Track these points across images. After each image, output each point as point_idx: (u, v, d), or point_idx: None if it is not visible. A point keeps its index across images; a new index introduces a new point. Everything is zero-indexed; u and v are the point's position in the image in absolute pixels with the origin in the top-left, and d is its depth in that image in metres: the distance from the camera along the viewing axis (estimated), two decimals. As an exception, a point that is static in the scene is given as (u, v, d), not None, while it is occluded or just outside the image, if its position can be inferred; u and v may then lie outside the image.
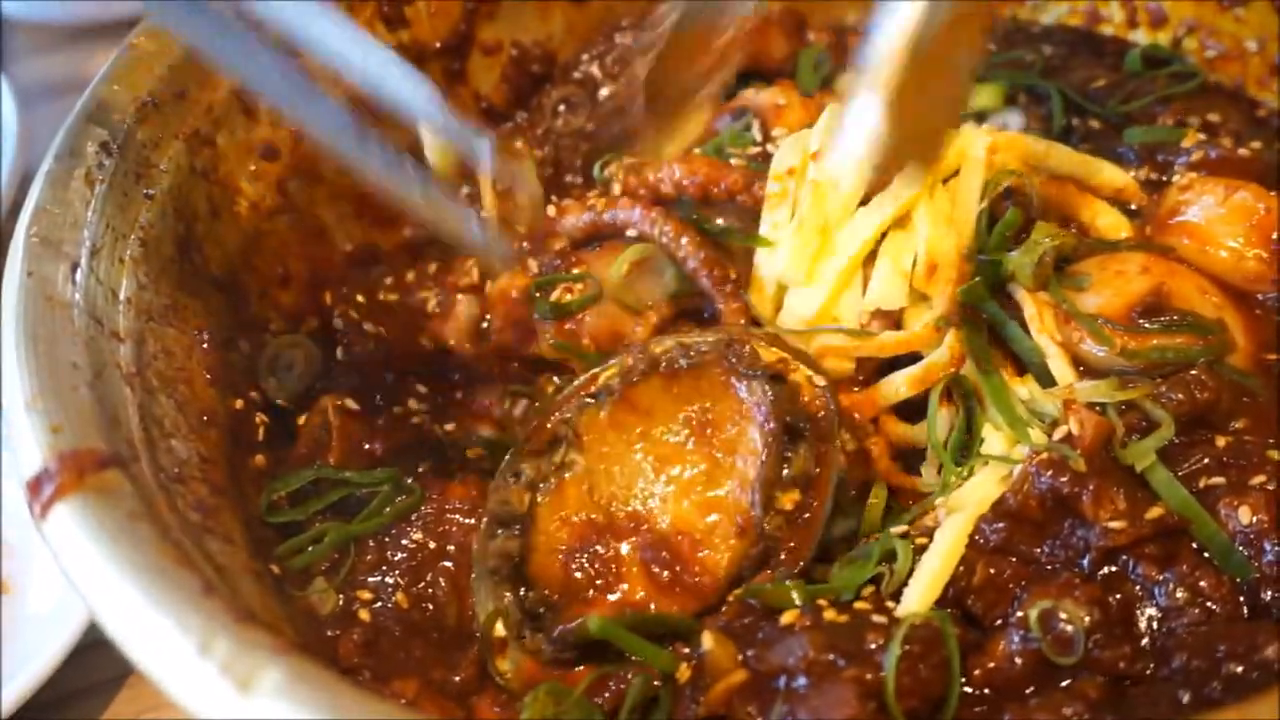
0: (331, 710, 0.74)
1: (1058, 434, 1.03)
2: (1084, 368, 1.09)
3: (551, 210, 1.28)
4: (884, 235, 1.15)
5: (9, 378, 0.95)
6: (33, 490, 0.88)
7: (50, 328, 0.99)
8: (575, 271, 1.20)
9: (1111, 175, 1.24)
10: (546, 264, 1.24)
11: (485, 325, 1.26)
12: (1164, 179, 1.25)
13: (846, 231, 1.16)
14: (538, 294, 1.21)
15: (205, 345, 1.15)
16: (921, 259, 1.13)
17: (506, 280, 1.23)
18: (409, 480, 1.13)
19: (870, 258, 1.15)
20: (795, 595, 0.96)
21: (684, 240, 1.19)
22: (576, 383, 1.11)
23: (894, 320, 1.14)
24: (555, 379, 1.20)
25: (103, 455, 0.90)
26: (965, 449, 1.08)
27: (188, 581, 0.83)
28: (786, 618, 0.94)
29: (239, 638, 0.78)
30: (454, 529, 1.09)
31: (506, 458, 1.08)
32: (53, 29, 2.15)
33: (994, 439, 1.07)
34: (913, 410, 1.11)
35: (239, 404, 1.16)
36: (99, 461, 0.89)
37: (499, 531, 1.04)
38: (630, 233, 1.23)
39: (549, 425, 1.08)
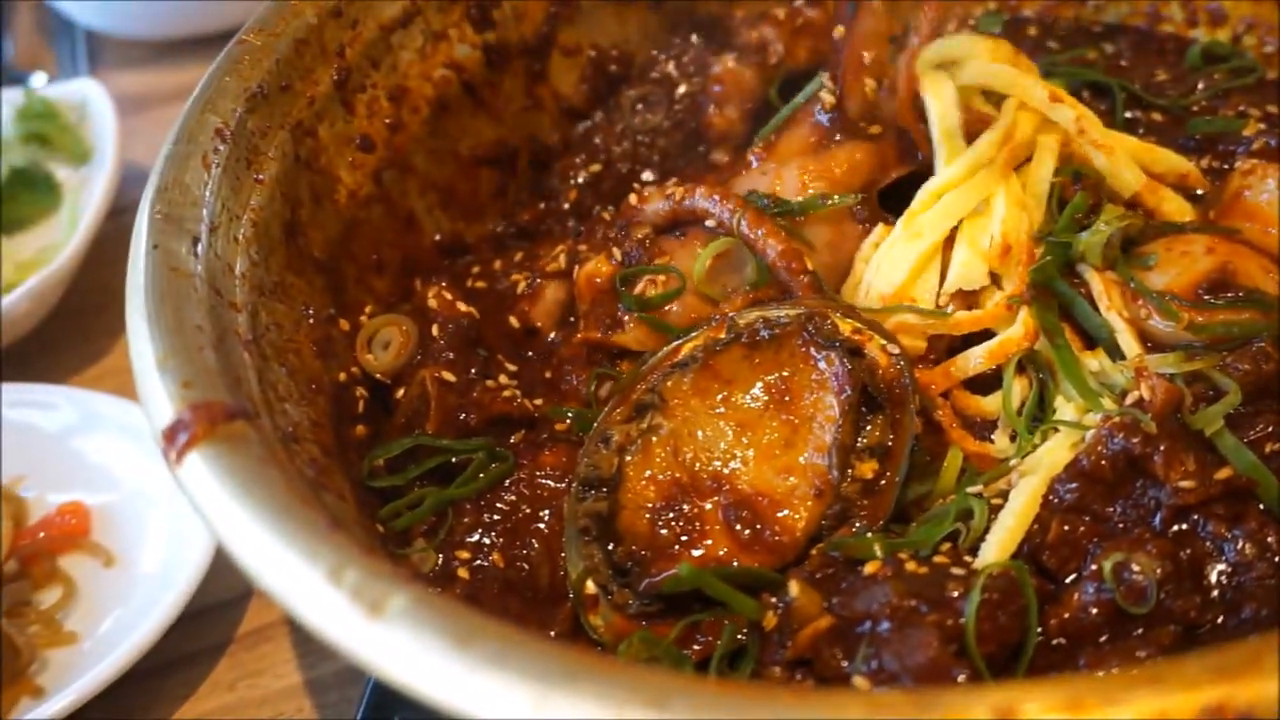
0: (457, 630, 0.79)
1: (1129, 399, 1.07)
2: (1151, 343, 1.14)
3: (633, 199, 1.34)
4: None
5: (138, 341, 1.02)
6: (168, 439, 0.93)
7: (176, 295, 1.05)
8: (659, 263, 1.26)
9: (1175, 162, 1.29)
10: (630, 252, 1.29)
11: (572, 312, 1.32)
12: (1226, 167, 1.29)
13: (930, 215, 1.21)
14: (623, 286, 1.26)
15: (310, 321, 1.22)
16: (996, 240, 1.18)
17: (593, 266, 1.29)
18: (502, 449, 1.19)
19: (947, 242, 1.20)
20: (878, 547, 1.01)
21: (761, 231, 1.24)
22: (662, 352, 1.16)
23: (968, 301, 1.19)
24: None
25: (230, 407, 0.96)
26: (1037, 419, 1.13)
27: (315, 519, 0.88)
28: (869, 568, 0.99)
29: (367, 567, 0.83)
30: (546, 493, 1.15)
31: (595, 424, 1.14)
32: (143, 43, 2.25)
33: (1066, 409, 1.12)
34: (982, 385, 1.16)
35: (342, 376, 1.23)
36: (228, 413, 0.95)
37: (588, 493, 1.09)
38: (709, 221, 1.28)
39: (636, 393, 1.14)
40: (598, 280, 1.29)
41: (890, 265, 1.20)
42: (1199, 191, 1.28)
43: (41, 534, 1.43)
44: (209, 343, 1.03)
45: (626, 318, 1.26)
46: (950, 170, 1.22)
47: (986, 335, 1.17)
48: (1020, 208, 1.21)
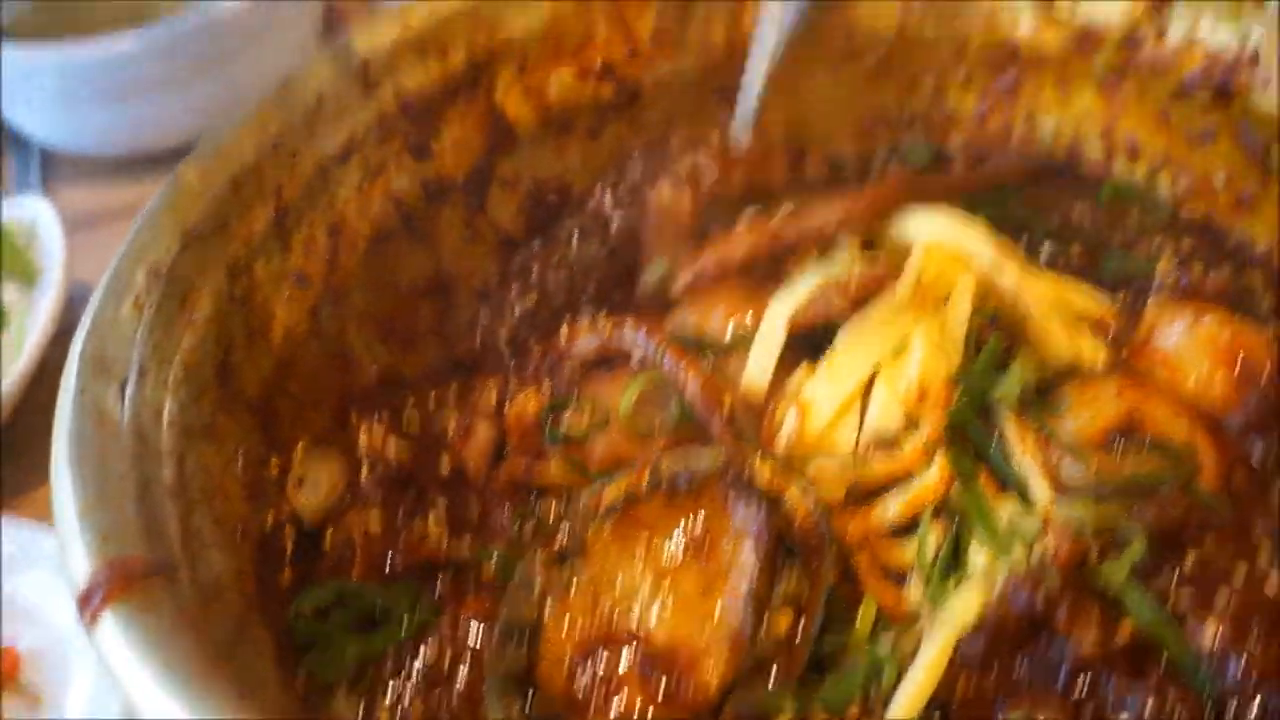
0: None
1: (1036, 550, 1.10)
2: (1062, 488, 1.16)
3: (563, 333, 1.36)
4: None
5: (61, 491, 1.03)
6: (83, 599, 0.95)
7: (100, 443, 1.07)
8: (585, 398, 1.29)
9: (1090, 302, 1.32)
10: (559, 387, 1.32)
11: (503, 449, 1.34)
12: (1139, 306, 1.33)
13: (850, 358, 1.24)
14: (549, 421, 1.29)
15: (240, 463, 1.23)
16: (913, 385, 1.22)
17: (521, 401, 1.32)
18: (427, 595, 1.20)
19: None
20: (788, 704, 1.03)
21: (682, 366, 1.27)
22: (584, 499, 1.18)
23: (886, 444, 1.21)
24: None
25: (148, 563, 0.98)
26: (951, 566, 1.15)
27: (222, 689, 0.89)
28: (780, 726, 1.01)
29: (269, 742, 0.85)
30: (469, 640, 1.16)
31: (518, 570, 1.16)
32: (96, 159, 2.27)
33: (979, 557, 1.14)
34: (899, 529, 1.18)
35: (270, 519, 1.24)
36: (144, 569, 0.97)
37: (509, 641, 1.11)
38: (634, 356, 1.31)
39: (558, 539, 1.16)
40: (525, 416, 1.31)
41: (812, 408, 1.22)
42: (1111, 331, 1.31)
43: (-31, 676, 1.43)
44: (131, 493, 1.04)
45: (551, 453, 1.28)
46: (868, 313, 1.26)
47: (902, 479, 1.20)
48: (938, 351, 1.24)
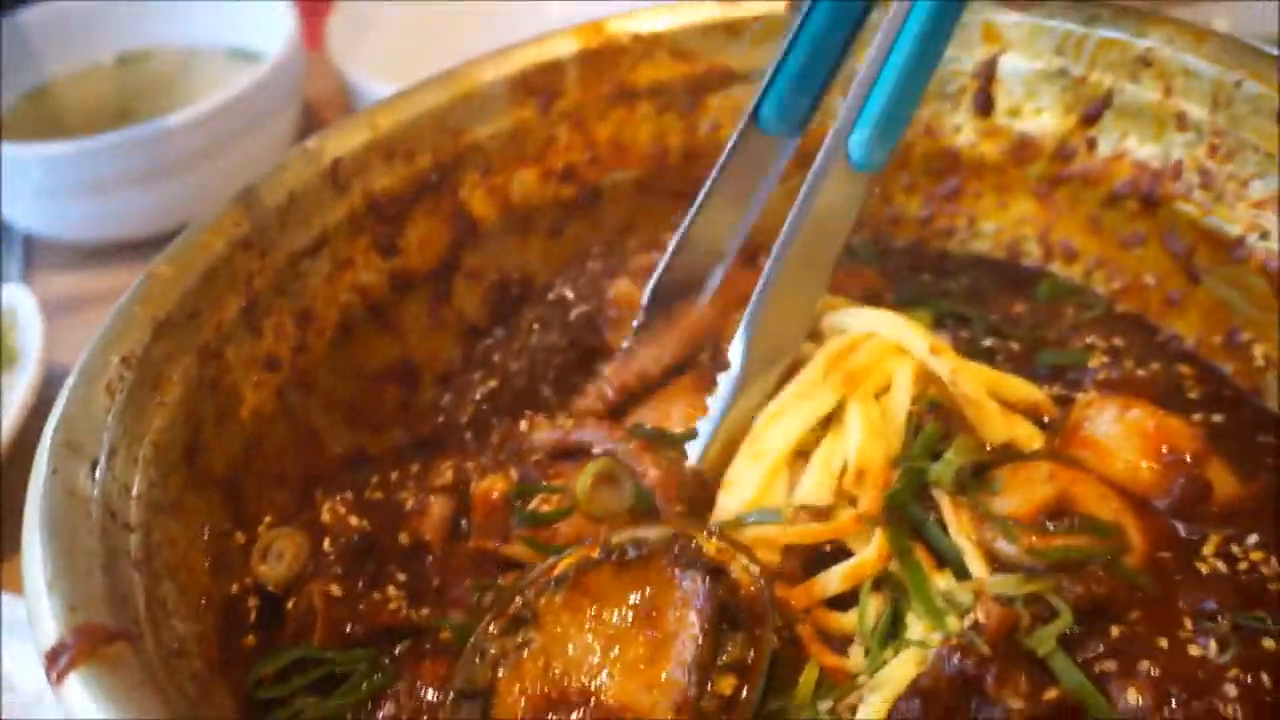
0: None
1: (968, 620, 1.15)
2: (996, 563, 1.22)
3: (523, 425, 1.42)
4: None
5: (31, 563, 1.08)
6: (50, 660, 0.99)
7: (70, 519, 1.11)
8: (553, 484, 1.35)
9: (1026, 391, 1.38)
10: (525, 473, 1.38)
11: (463, 522, 1.39)
12: (1072, 395, 1.39)
13: (770, 434, 1.30)
14: (518, 502, 1.34)
15: (205, 537, 1.28)
16: (852, 465, 1.27)
17: (489, 483, 1.37)
18: (385, 660, 1.25)
19: (801, 456, 1.29)
20: (729, 764, 1.07)
21: (643, 458, 1.34)
22: (538, 569, 1.23)
23: (818, 515, 1.27)
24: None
25: (112, 630, 1.02)
26: (890, 634, 1.20)
27: (183, 746, 0.94)
28: (720, 785, 1.05)
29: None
30: (424, 705, 1.20)
31: (473, 637, 1.20)
32: (76, 247, 2.34)
33: (916, 626, 1.19)
34: (840, 600, 1.23)
35: (234, 588, 1.29)
36: (109, 636, 1.01)
37: (464, 703, 1.15)
38: (596, 449, 1.37)
39: (512, 607, 1.20)
40: (493, 496, 1.37)
41: (736, 484, 1.29)
42: (1046, 419, 1.37)
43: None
44: (98, 565, 1.09)
45: (517, 531, 1.34)
46: (786, 390, 1.32)
47: (844, 555, 1.25)
48: (877, 435, 1.30)
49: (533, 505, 1.34)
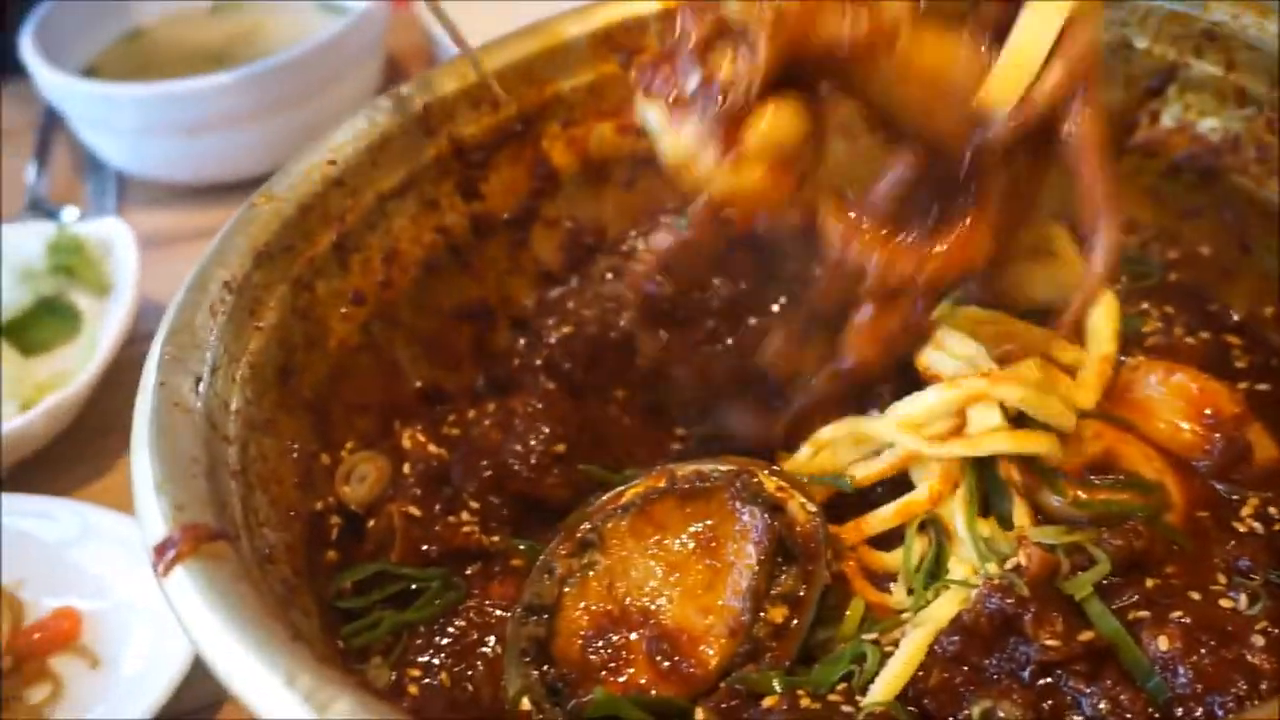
0: (391, 727, 0.92)
1: (1009, 564, 1.21)
2: (1041, 513, 1.28)
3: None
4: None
5: (139, 466, 1.16)
6: (158, 554, 1.08)
7: (175, 427, 1.20)
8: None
9: (1077, 355, 1.44)
10: None
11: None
12: (1123, 359, 1.45)
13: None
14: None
15: (295, 455, 1.37)
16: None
17: None
18: (458, 579, 1.33)
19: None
20: (776, 684, 1.14)
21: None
22: (605, 497, 1.31)
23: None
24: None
25: (214, 529, 1.10)
26: (933, 575, 1.27)
27: (279, 630, 1.02)
28: (768, 702, 1.13)
29: (319, 674, 0.96)
30: (493, 620, 1.29)
31: (541, 557, 1.28)
32: (168, 185, 2.44)
33: (958, 569, 1.26)
34: (886, 541, 1.30)
35: (319, 505, 1.37)
36: (211, 534, 1.10)
37: (529, 618, 1.23)
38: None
39: (580, 531, 1.28)
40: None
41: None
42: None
43: (36, 635, 1.56)
44: (201, 471, 1.17)
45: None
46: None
47: (888, 498, 1.31)
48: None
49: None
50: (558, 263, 1.72)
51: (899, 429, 1.30)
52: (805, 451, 1.37)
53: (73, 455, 1.88)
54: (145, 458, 1.17)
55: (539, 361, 1.61)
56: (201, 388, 1.25)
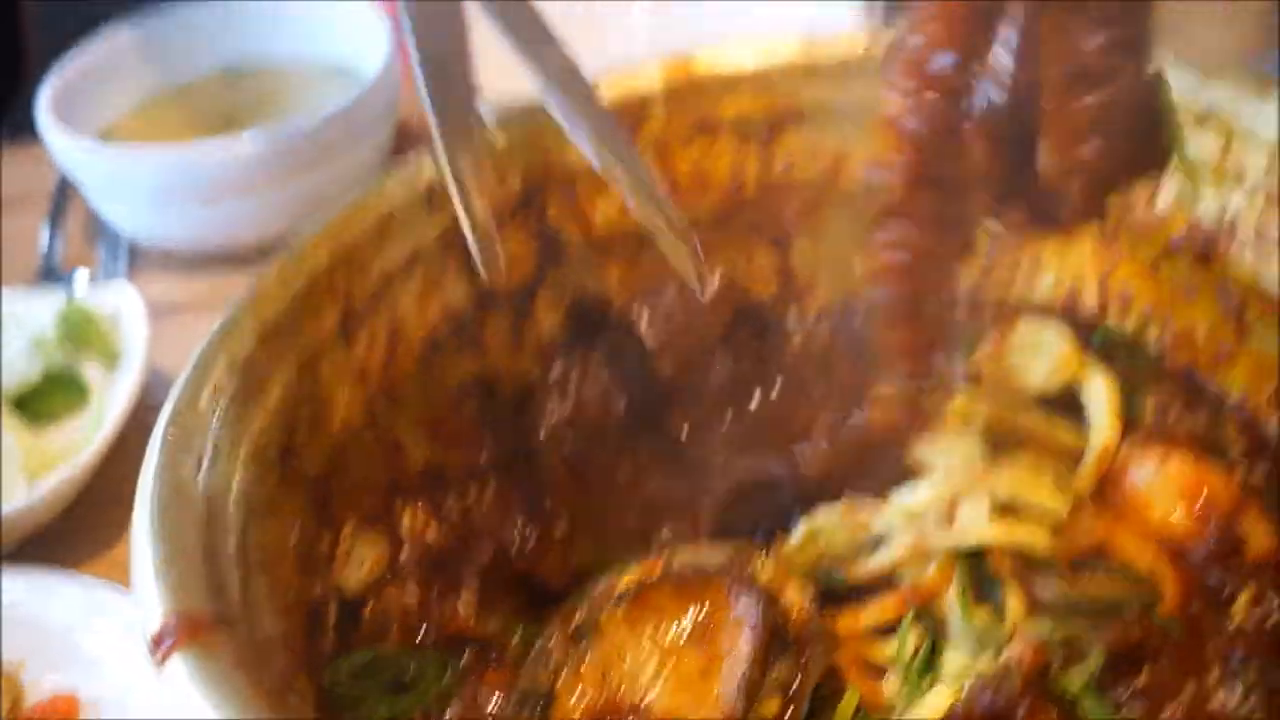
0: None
1: (1003, 657, 1.22)
2: (1034, 603, 1.29)
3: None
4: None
5: (139, 550, 1.18)
6: (155, 642, 1.09)
7: (177, 511, 1.21)
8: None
9: (1071, 438, 1.45)
10: None
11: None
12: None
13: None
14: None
15: (295, 538, 1.38)
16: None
17: None
18: (454, 665, 1.35)
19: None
20: (766, 780, 1.15)
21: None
22: (602, 583, 1.32)
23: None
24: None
25: (212, 616, 1.12)
26: (927, 666, 1.27)
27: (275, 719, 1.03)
28: (761, 794, 1.14)
29: (313, 768, 0.98)
30: (486, 709, 1.30)
31: (537, 644, 1.29)
32: (179, 252, 2.47)
33: (952, 660, 1.27)
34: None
35: (318, 589, 1.38)
36: (209, 621, 1.11)
37: (525, 706, 1.24)
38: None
39: (576, 618, 1.29)
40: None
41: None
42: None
43: (34, 720, 1.57)
44: (201, 556, 1.19)
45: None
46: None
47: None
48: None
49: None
50: (561, 336, 1.74)
51: (895, 517, 1.31)
52: (800, 534, 1.38)
53: (78, 528, 1.89)
54: (146, 542, 1.18)
55: (539, 441, 1.63)
56: (203, 471, 1.27)
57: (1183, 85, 1.50)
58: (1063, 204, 1.17)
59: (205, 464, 1.28)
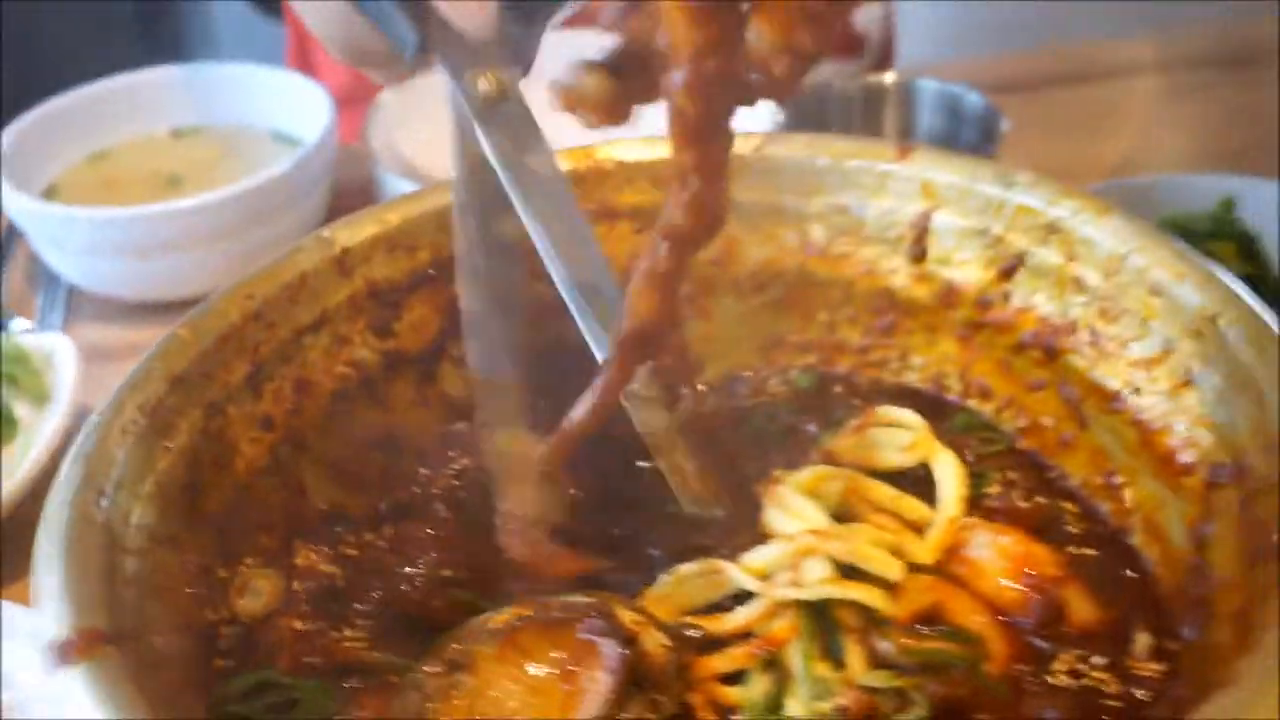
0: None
1: (834, 704, 1.34)
2: (873, 658, 1.40)
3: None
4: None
5: (42, 571, 1.28)
6: (54, 654, 1.19)
7: (79, 538, 1.31)
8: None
9: (922, 512, 1.58)
10: None
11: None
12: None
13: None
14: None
15: (193, 568, 1.48)
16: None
17: None
18: (335, 690, 1.43)
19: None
20: (613, 807, 1.26)
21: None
22: (476, 621, 1.42)
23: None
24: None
25: (107, 634, 1.21)
26: (772, 710, 1.38)
27: (158, 728, 1.13)
28: (604, 823, 1.24)
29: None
30: (362, 732, 1.40)
31: (410, 675, 1.39)
32: (116, 301, 2.57)
33: (793, 706, 1.38)
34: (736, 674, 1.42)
35: (213, 615, 1.48)
36: (104, 638, 1.21)
37: (395, 732, 1.34)
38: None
39: (448, 652, 1.39)
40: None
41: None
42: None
43: (-54, 730, 1.66)
44: (100, 580, 1.29)
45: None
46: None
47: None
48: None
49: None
50: (462, 398, 1.84)
51: (747, 574, 1.43)
52: (665, 583, 1.49)
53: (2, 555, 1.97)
54: (48, 564, 1.28)
55: (436, 491, 1.73)
56: (105, 502, 1.37)
57: (1035, 201, 1.67)
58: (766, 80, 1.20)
59: (108, 497, 1.38)
